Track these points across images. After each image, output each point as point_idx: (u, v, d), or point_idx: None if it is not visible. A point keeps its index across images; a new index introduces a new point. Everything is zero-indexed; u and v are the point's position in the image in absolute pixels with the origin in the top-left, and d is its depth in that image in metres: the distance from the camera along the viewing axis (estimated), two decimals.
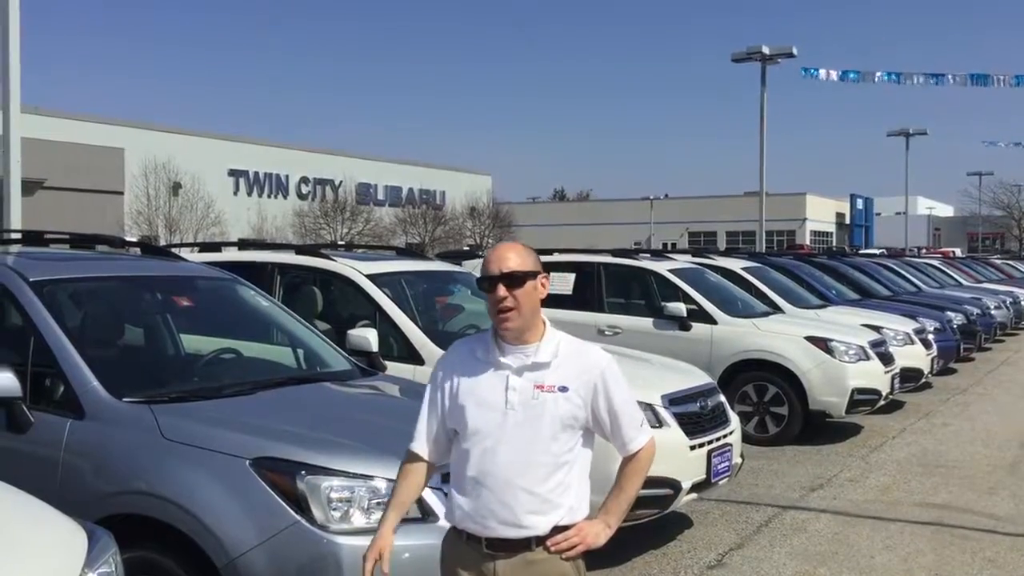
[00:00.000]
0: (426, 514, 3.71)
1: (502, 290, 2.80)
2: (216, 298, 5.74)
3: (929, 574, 5.74)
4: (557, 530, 2.84)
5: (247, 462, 3.71)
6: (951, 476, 8.23)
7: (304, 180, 52.08)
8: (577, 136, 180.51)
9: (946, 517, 6.95)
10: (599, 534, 2.89)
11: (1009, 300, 21.93)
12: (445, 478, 3.78)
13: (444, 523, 3.68)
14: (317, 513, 3.60)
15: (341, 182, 51.87)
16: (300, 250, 7.96)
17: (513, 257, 2.84)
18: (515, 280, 2.81)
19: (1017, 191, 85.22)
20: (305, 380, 5.15)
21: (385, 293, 6.86)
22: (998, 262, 35.74)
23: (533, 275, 2.85)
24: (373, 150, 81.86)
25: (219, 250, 8.54)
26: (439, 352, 6.40)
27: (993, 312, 19.36)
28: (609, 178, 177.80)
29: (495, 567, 2.83)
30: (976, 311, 17.63)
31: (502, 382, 2.84)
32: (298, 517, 3.59)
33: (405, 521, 3.67)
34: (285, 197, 50.75)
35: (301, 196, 51.42)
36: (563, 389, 2.83)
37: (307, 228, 46.50)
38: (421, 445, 3.01)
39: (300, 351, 5.55)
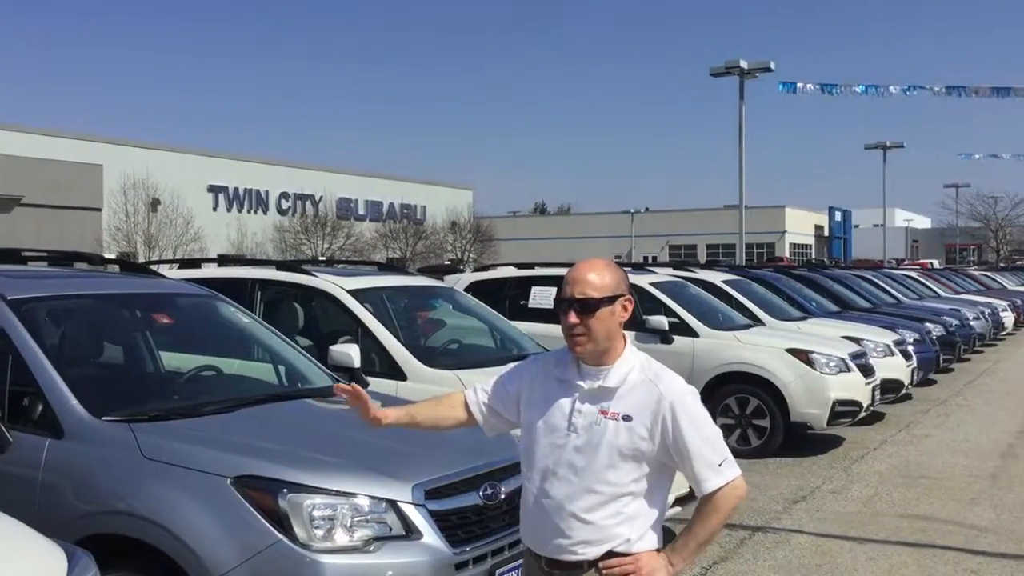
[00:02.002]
0: (409, 531, 3.68)
1: (573, 316, 2.72)
2: (196, 315, 5.70)
3: None
4: (612, 555, 2.75)
5: (228, 480, 3.67)
6: (933, 487, 8.26)
7: (284, 195, 51.99)
8: (557, 150, 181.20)
9: (928, 528, 6.97)
10: (657, 569, 2.73)
11: (987, 311, 22.12)
12: (429, 494, 3.77)
13: (428, 541, 3.68)
14: (299, 531, 3.57)
15: (321, 197, 51.83)
16: (281, 266, 7.93)
17: (592, 281, 2.73)
18: (588, 307, 2.72)
19: (994, 203, 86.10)
20: (286, 397, 5.12)
21: (367, 308, 6.84)
22: (976, 273, 36.08)
23: (611, 300, 2.74)
24: (353, 165, 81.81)
25: (199, 266, 8.50)
26: (421, 367, 6.43)
27: (972, 323, 19.51)
28: (590, 192, 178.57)
29: None
30: (955, 322, 17.77)
31: (570, 404, 2.79)
32: (280, 536, 3.56)
33: (388, 539, 3.67)
34: (265, 212, 50.63)
35: (281, 211, 51.32)
36: (627, 418, 2.72)
37: (288, 244, 46.42)
38: (474, 399, 3.02)
39: (281, 368, 5.51)
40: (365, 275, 7.83)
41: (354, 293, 6.93)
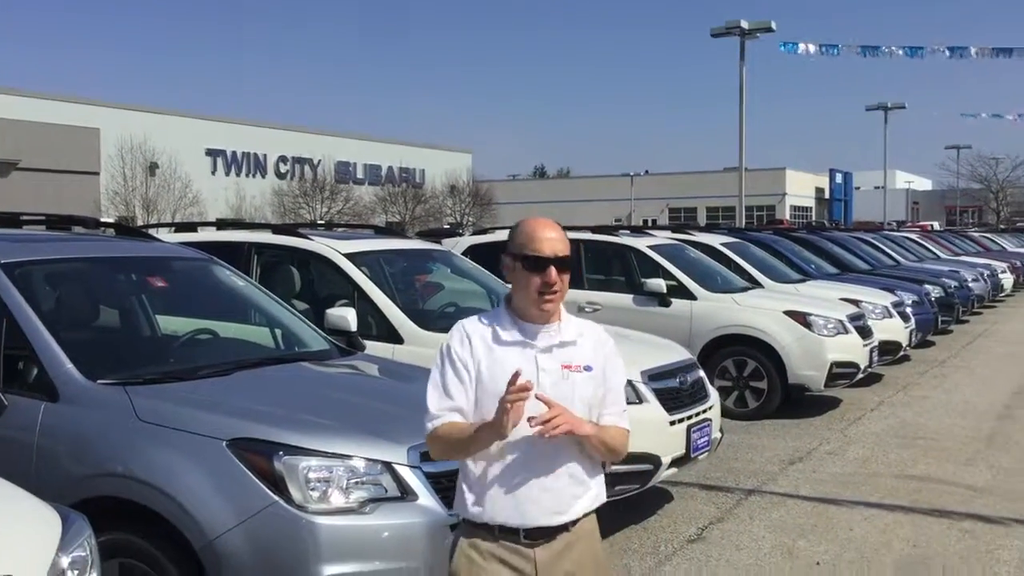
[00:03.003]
0: (405, 493, 3.70)
1: (554, 274, 2.73)
2: (192, 279, 5.69)
3: (907, 545, 5.79)
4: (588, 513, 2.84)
5: (224, 443, 3.68)
6: (929, 448, 8.30)
7: (282, 159, 51.77)
8: (557, 114, 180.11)
9: (924, 489, 7.01)
10: (582, 421, 2.70)
11: (987, 272, 22.10)
12: (424, 456, 3.78)
13: (423, 502, 3.69)
14: (295, 493, 3.58)
15: (320, 161, 51.61)
16: (277, 229, 7.90)
17: (561, 239, 2.77)
18: (566, 264, 2.76)
19: (995, 164, 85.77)
20: (283, 360, 5.12)
21: (363, 272, 6.82)
22: (976, 235, 36.01)
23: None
24: (352, 128, 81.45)
25: (195, 230, 8.47)
26: (419, 331, 6.43)
27: (971, 284, 19.51)
28: (589, 155, 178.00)
29: (535, 555, 2.74)
30: (954, 284, 17.76)
31: (531, 363, 2.73)
32: (276, 498, 3.57)
33: (384, 500, 3.68)
34: (263, 176, 50.45)
35: (280, 175, 51.13)
36: (588, 368, 2.79)
37: (286, 207, 46.31)
38: (456, 416, 2.73)
39: (278, 331, 5.51)
40: (362, 239, 7.80)
41: (350, 257, 6.91)
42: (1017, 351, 14.75)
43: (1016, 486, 7.06)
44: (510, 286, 2.84)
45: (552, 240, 2.75)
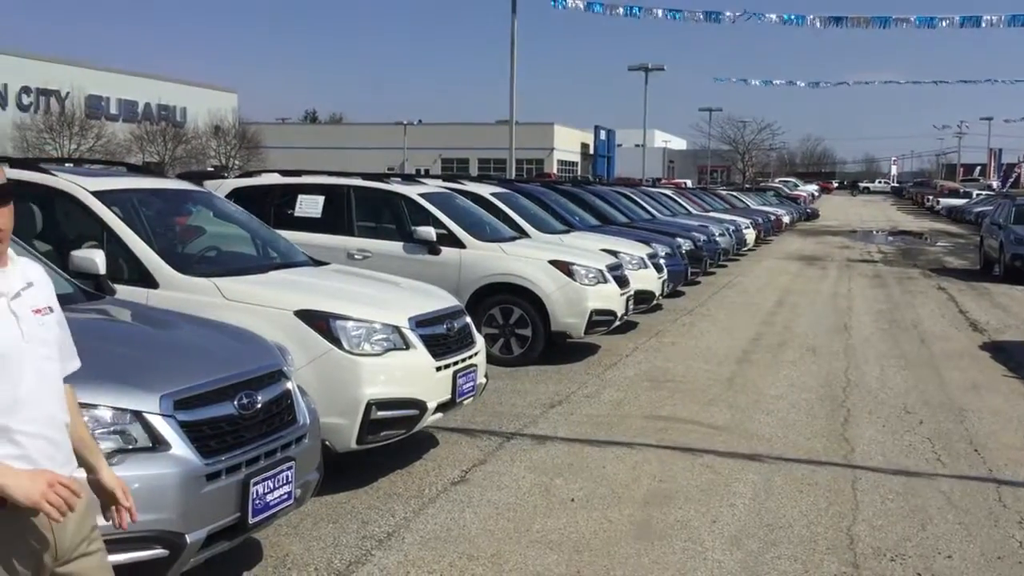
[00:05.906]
0: (157, 443, 3.53)
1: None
2: None
3: (654, 481, 6.18)
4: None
5: None
6: (676, 390, 8.87)
7: (25, 90, 47.57)
8: (329, 58, 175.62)
9: (670, 428, 7.49)
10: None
11: (732, 228, 23.81)
12: (179, 404, 3.61)
13: (176, 452, 3.55)
14: None
15: (68, 93, 47.83)
16: (15, 163, 7.24)
17: None
18: (6, 196, 2.41)
19: (742, 127, 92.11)
20: None
21: (114, 212, 6.38)
22: (724, 193, 38.58)
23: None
24: (105, 59, 75.95)
25: None
26: (174, 275, 6.12)
27: (718, 239, 20.93)
28: (362, 103, 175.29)
29: (52, 524, 2.40)
30: (703, 238, 18.97)
31: (7, 314, 2.38)
32: None
33: (133, 451, 3.50)
34: (4, 108, 46.20)
35: (22, 108, 47.01)
36: (51, 310, 2.52)
37: (29, 143, 42.76)
38: None
39: None
40: (113, 176, 7.29)
41: (99, 195, 6.44)
42: (756, 301, 16.01)
43: (751, 424, 7.68)
44: None
45: None
